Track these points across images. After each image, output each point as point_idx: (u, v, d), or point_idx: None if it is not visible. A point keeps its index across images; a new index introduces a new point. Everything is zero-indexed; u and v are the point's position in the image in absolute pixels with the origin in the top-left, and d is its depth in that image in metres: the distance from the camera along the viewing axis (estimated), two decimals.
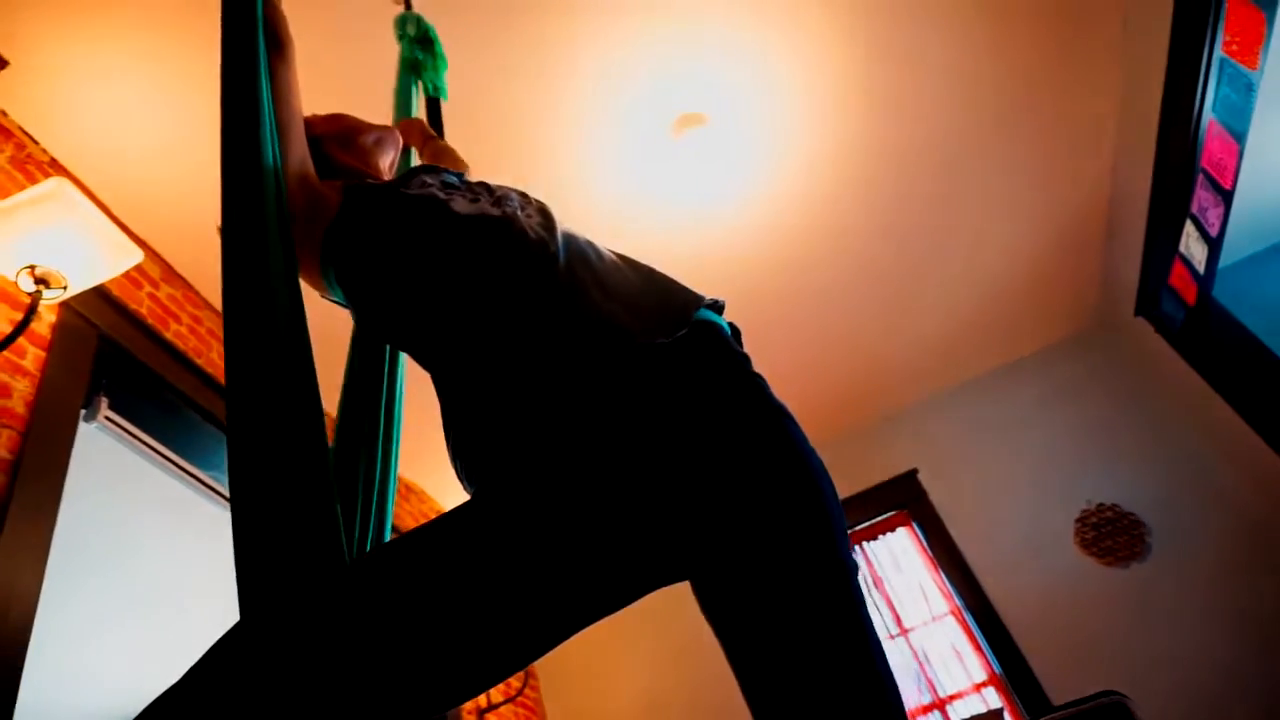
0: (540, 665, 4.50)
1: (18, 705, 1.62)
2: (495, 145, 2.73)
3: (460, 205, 1.09)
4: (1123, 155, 3.31)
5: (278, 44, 1.25)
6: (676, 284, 1.08)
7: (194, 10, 2.21)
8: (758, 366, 1.10)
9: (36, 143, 2.38)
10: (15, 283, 1.88)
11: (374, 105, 1.92)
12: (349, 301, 1.15)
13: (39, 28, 2.17)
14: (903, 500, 4.34)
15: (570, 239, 1.09)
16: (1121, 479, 3.95)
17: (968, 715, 3.49)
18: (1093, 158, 3.37)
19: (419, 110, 1.98)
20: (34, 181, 2.28)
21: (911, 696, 3.85)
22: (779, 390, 1.10)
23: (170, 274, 2.75)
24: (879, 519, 4.37)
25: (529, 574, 0.83)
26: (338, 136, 1.38)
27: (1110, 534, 3.80)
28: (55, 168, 2.40)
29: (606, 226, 3.09)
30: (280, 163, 1.12)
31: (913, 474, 4.36)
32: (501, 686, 4.04)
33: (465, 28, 2.40)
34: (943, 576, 4.08)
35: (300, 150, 1.21)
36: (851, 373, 4.22)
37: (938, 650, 3.95)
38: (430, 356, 1.05)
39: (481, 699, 3.81)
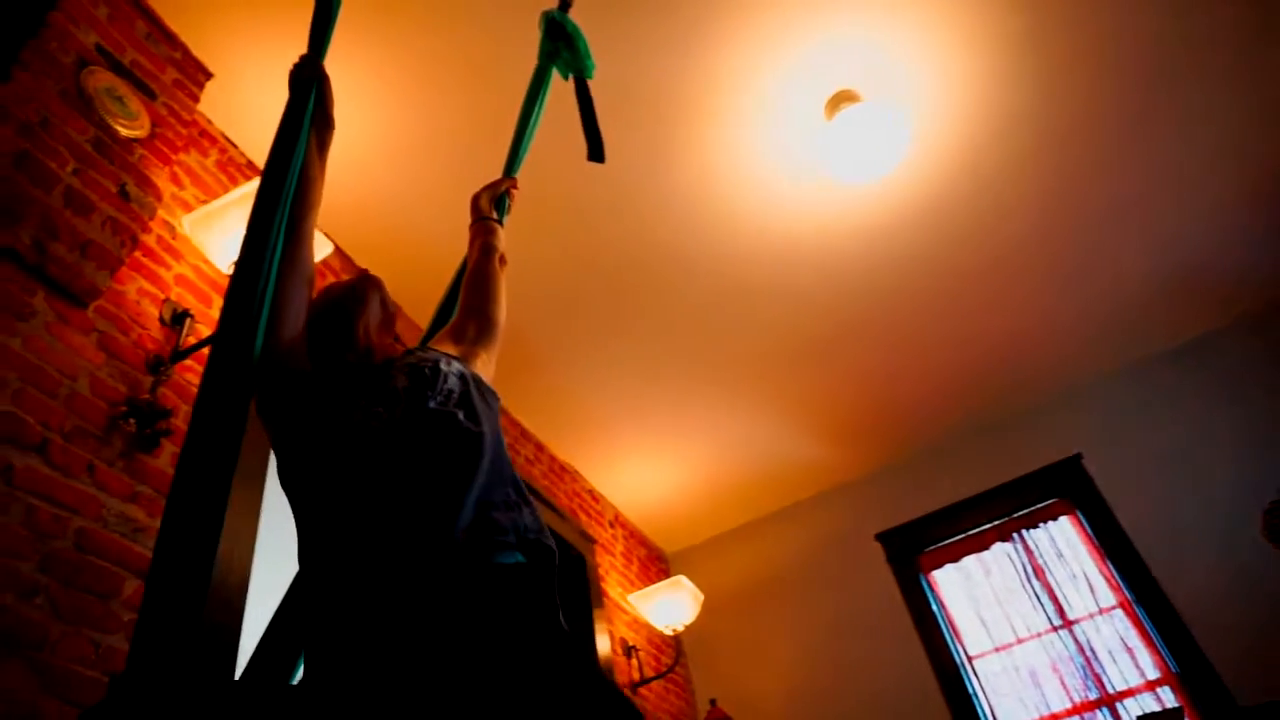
0: (689, 646, 4.59)
1: (239, 655, 1.80)
2: (644, 134, 2.78)
3: (351, 416, 1.22)
4: None
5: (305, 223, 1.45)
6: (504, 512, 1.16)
7: (386, 17, 2.37)
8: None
9: (235, 146, 2.61)
10: (228, 275, 2.07)
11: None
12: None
13: (238, 41, 2.37)
14: (1064, 486, 4.14)
15: (398, 446, 1.17)
16: None
17: (1141, 713, 3.31)
18: None
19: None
20: (235, 183, 2.50)
21: (1076, 690, 3.69)
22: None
23: (349, 265, 2.96)
24: (1038, 506, 4.19)
25: None
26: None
27: None
28: (251, 170, 2.62)
29: (761, 210, 3.09)
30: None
31: (1076, 459, 4.14)
32: (652, 662, 4.14)
33: (615, 18, 2.45)
34: (1110, 567, 3.87)
35: (295, 322, 1.38)
36: (1011, 351, 4.05)
37: (1105, 644, 3.76)
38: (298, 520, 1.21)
39: (634, 673, 3.92)
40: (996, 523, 4.25)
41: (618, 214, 3.02)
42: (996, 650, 3.98)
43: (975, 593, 4.17)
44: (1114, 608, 3.81)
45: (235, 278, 1.29)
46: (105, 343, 1.86)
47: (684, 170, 2.92)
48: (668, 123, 2.77)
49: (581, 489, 4.22)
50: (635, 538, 4.70)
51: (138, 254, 2.04)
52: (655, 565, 4.84)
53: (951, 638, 4.08)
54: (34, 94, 1.79)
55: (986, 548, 4.23)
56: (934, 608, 4.19)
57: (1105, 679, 3.68)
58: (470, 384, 1.32)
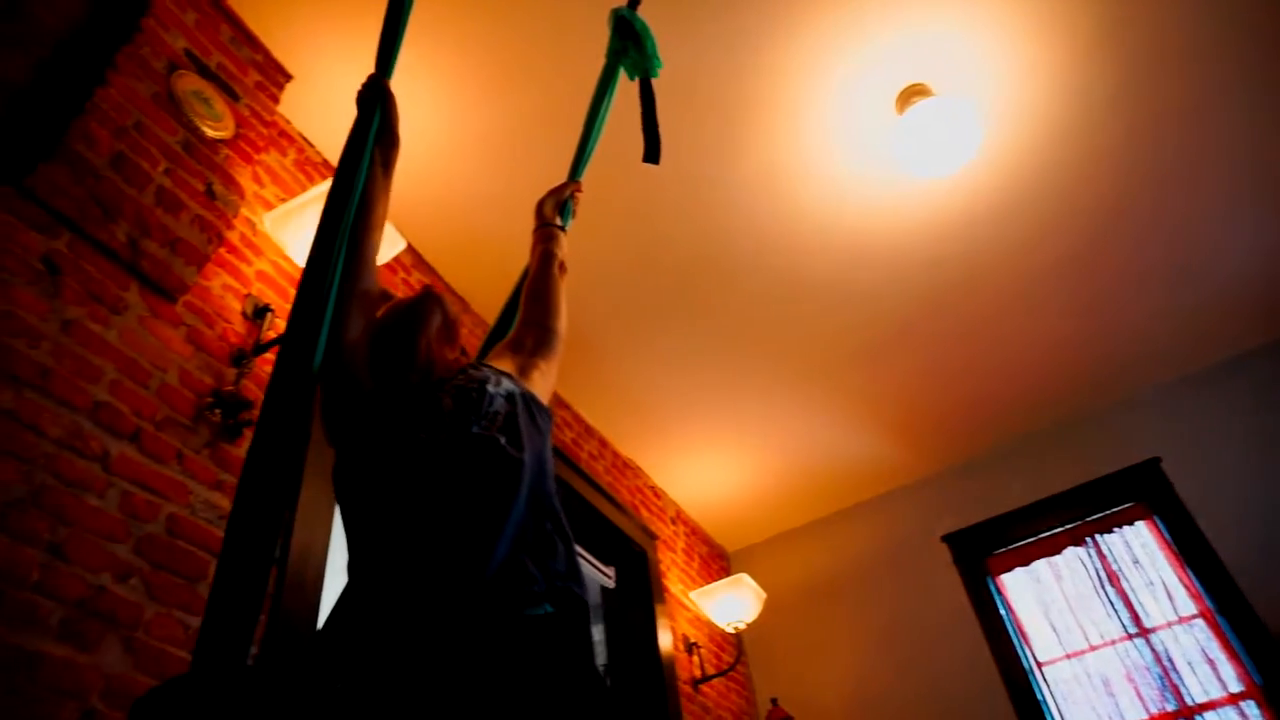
0: (750, 644, 4.57)
1: None
2: (711, 128, 2.77)
3: (398, 439, 1.23)
4: None
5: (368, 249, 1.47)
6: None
7: (457, 14, 2.40)
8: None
9: (312, 145, 2.68)
10: None
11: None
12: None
13: (315, 43, 2.44)
14: (1142, 491, 4.00)
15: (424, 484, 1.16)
16: None
17: None
18: None
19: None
20: (312, 182, 2.57)
21: (1153, 701, 3.57)
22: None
23: (420, 262, 3.02)
24: (1114, 511, 4.06)
25: None
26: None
27: None
28: (327, 169, 2.69)
29: (829, 204, 3.06)
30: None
31: (1155, 462, 4.01)
32: (713, 659, 4.14)
33: (684, 11, 2.45)
34: (1190, 575, 3.74)
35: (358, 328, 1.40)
36: (1084, 350, 3.93)
37: (1184, 654, 3.63)
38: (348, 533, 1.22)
39: (695, 670, 3.92)
40: (1069, 526, 4.13)
41: (683, 209, 3.02)
42: (1068, 657, 3.87)
43: (1046, 597, 4.06)
44: (1194, 617, 3.67)
45: (300, 292, 1.32)
46: (193, 336, 1.93)
47: (750, 164, 2.90)
48: (735, 117, 2.76)
49: (644, 485, 4.24)
50: (697, 535, 4.70)
51: (222, 250, 2.12)
52: (716, 563, 4.83)
53: (1020, 643, 3.99)
54: (128, 98, 1.86)
55: (1058, 551, 4.12)
56: (1002, 611, 4.10)
57: (1184, 690, 3.55)
58: (518, 404, 1.30)
